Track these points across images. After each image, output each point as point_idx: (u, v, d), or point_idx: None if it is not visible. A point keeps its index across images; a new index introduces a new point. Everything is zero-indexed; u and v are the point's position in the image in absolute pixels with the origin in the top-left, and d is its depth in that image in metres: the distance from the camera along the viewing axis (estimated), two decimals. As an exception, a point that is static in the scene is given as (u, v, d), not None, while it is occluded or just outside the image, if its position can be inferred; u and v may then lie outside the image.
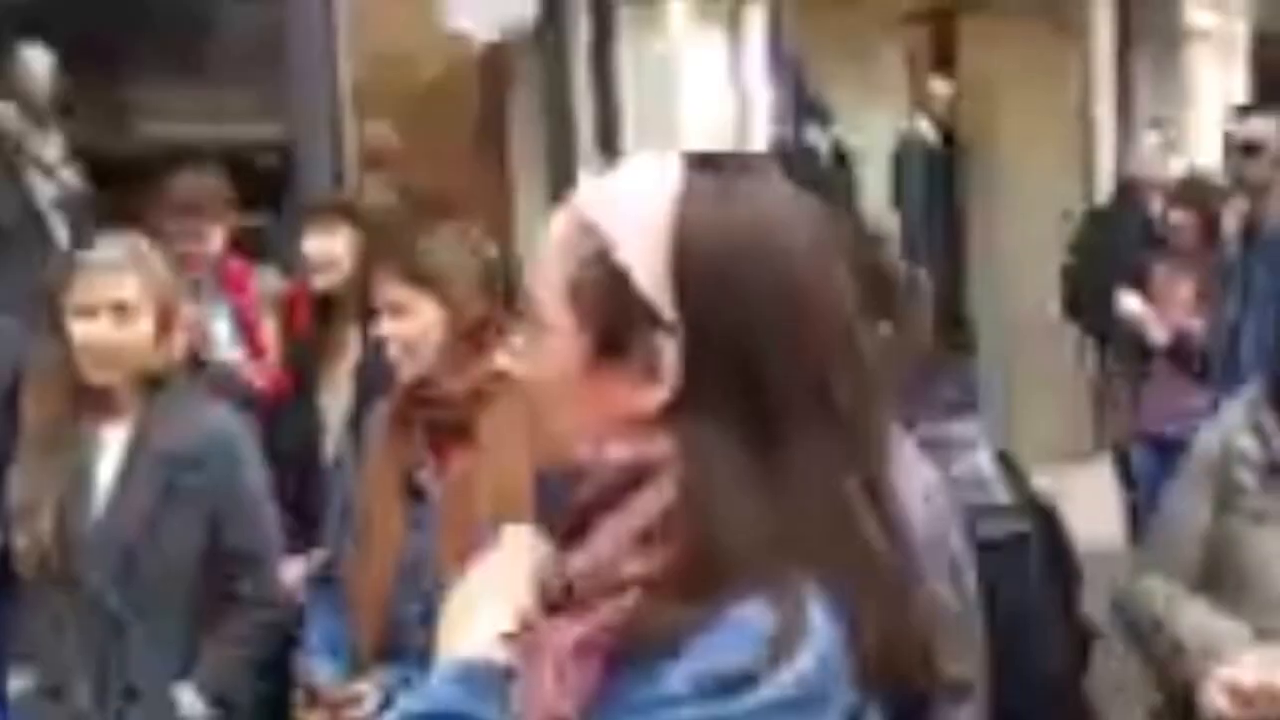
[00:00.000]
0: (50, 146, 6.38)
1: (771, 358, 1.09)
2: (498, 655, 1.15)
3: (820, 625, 1.06)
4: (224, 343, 4.31)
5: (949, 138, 8.54)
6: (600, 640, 1.06)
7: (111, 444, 2.92)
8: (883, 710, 1.12)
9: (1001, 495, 2.54)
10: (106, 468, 2.91)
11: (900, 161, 8.38)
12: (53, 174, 6.23)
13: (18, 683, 2.97)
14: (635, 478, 1.10)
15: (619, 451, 1.12)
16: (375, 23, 6.46)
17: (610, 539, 1.09)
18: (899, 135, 8.44)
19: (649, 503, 1.09)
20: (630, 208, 1.13)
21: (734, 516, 1.06)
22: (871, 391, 1.14)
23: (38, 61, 6.41)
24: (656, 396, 1.10)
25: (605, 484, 1.12)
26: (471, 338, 2.66)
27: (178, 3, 7.13)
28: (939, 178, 8.41)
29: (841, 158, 7.97)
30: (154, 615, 2.86)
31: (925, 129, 8.39)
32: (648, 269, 1.11)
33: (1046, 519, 2.71)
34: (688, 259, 1.10)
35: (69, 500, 2.88)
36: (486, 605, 1.19)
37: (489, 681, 1.14)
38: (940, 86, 8.49)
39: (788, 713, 1.02)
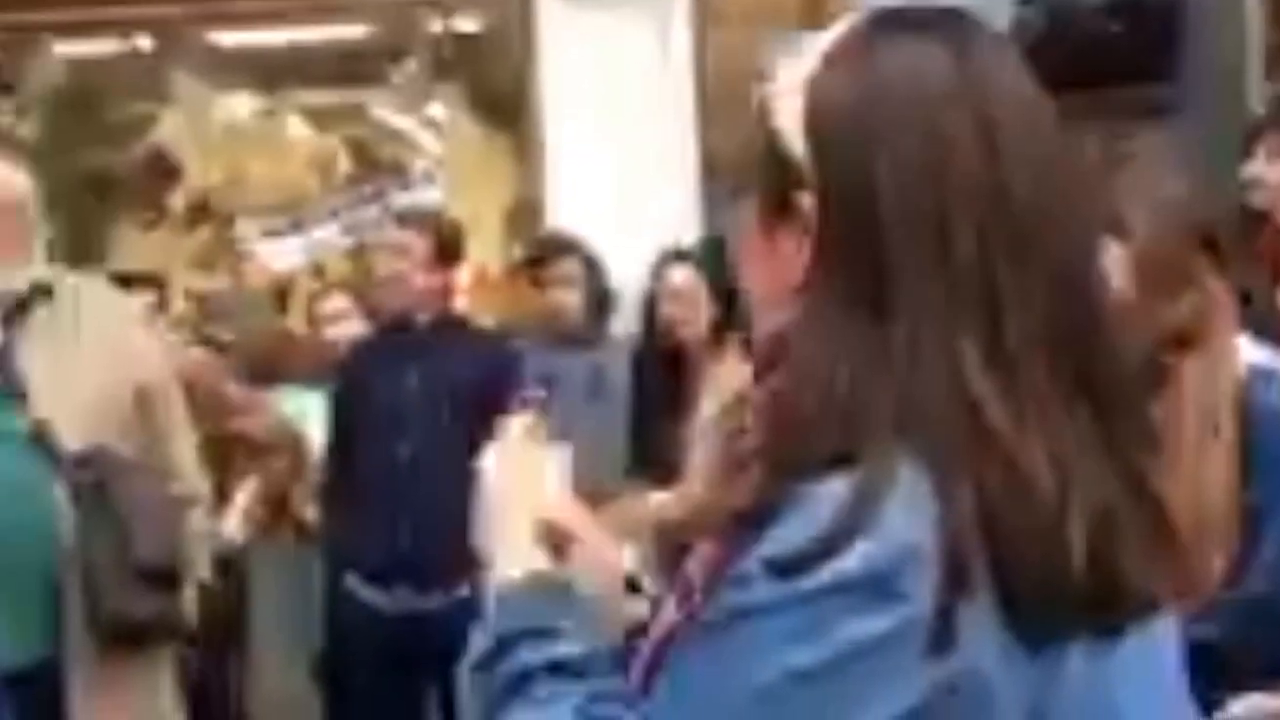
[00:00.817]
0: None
1: (888, 215, 1.02)
2: (538, 563, 1.22)
3: (914, 507, 0.96)
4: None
5: None
6: (718, 515, 1.08)
7: None
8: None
9: None
10: None
11: None
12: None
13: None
14: (779, 347, 1.08)
15: (770, 320, 1.11)
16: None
17: (750, 412, 1.09)
18: None
19: (777, 374, 1.06)
20: (791, 68, 1.12)
21: (827, 385, 1.00)
22: (1025, 259, 1.02)
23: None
24: (805, 261, 1.07)
25: (762, 353, 1.12)
26: None
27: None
28: None
29: None
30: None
31: None
32: (794, 128, 1.08)
33: None
34: (817, 115, 1.07)
35: None
36: (514, 512, 1.25)
37: (562, 592, 1.20)
38: None
39: (850, 594, 0.95)
